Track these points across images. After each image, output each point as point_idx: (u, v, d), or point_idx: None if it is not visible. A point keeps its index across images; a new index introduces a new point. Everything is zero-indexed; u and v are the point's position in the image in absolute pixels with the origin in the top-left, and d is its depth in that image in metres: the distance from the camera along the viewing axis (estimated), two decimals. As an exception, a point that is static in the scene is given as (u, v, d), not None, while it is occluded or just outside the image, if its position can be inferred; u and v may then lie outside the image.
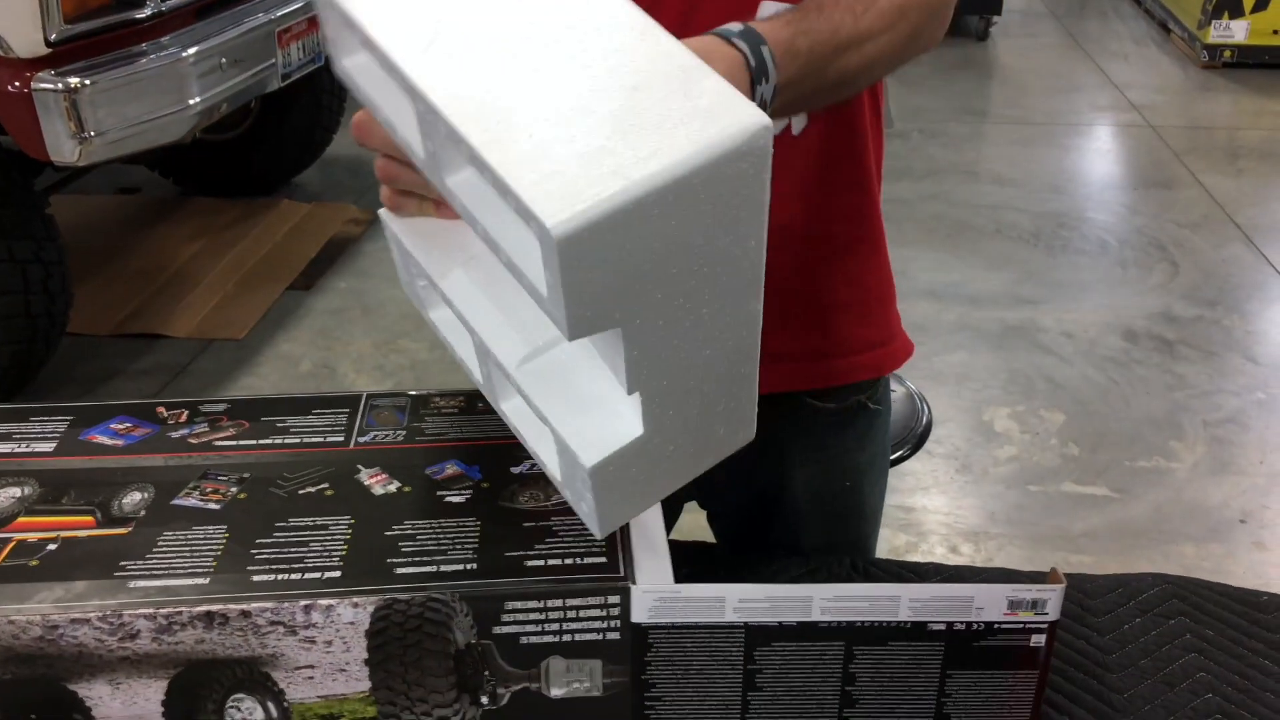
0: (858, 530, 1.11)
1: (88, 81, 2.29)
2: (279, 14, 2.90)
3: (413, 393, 0.86)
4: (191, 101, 2.52)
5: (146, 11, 2.47)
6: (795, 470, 1.05)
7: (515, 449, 0.78)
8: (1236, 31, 5.46)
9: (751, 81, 0.66)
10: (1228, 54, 5.50)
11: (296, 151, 4.03)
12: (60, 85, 2.27)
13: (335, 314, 3.27)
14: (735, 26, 0.67)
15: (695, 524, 1.11)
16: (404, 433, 0.81)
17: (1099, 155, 4.57)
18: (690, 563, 0.95)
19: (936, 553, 2.30)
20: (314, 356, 3.04)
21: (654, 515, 0.73)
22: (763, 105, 0.67)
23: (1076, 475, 2.54)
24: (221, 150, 3.86)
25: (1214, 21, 5.46)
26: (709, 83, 0.54)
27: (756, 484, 1.05)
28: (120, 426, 0.81)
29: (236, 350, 3.05)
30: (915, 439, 1.57)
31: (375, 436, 0.80)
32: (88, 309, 3.08)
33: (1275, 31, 5.41)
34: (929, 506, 2.44)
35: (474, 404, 0.84)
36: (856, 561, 1.02)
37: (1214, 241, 3.73)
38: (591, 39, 0.56)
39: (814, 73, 0.70)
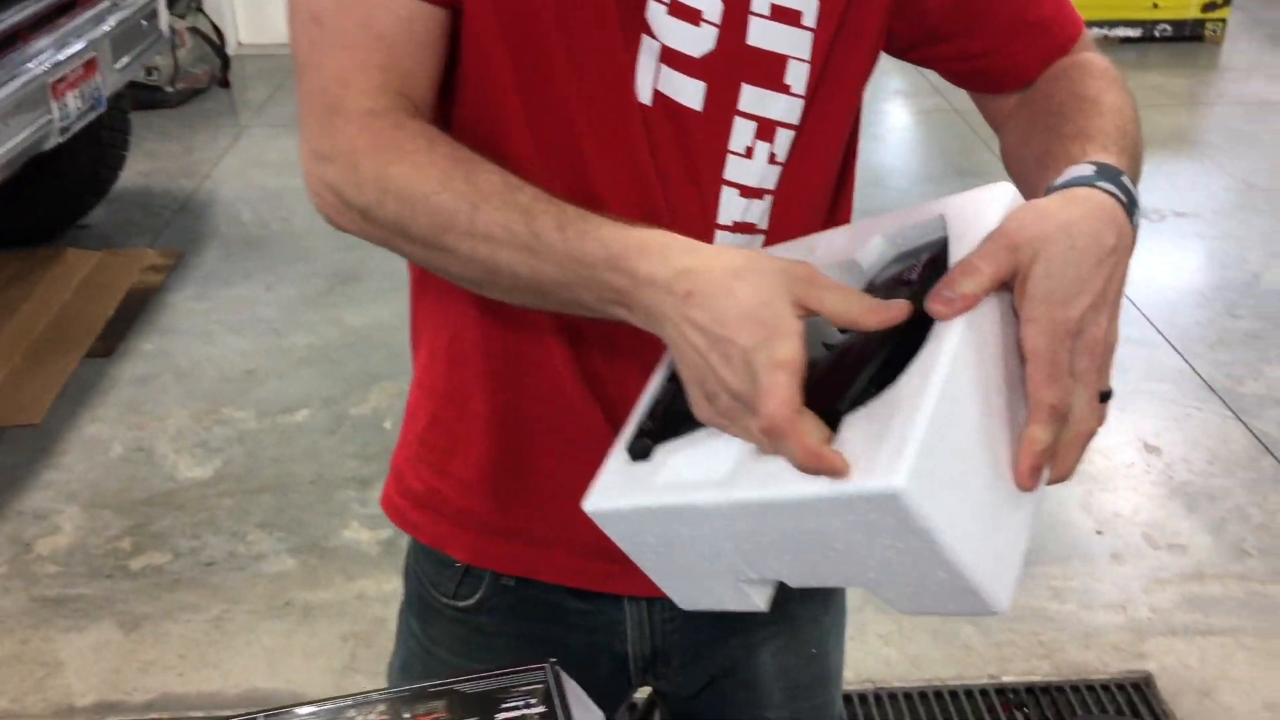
0: (824, 695, 1.06)
1: None
2: (52, 63, 2.58)
3: None
4: (-43, 179, 2.21)
5: (-109, 79, 2.14)
6: (761, 646, 0.99)
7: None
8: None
9: (1130, 217, 0.66)
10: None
11: (79, 192, 3.66)
12: None
13: (144, 382, 2.98)
14: (1086, 170, 0.67)
15: None
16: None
17: (913, 145, 4.66)
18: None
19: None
20: (125, 438, 2.76)
21: None
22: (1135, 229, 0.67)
23: (938, 498, 2.56)
24: (-10, 197, 3.47)
25: (1003, 0, 5.65)
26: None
27: (718, 662, 0.98)
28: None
29: (34, 438, 2.73)
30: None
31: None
32: None
33: (1059, 8, 5.65)
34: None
35: None
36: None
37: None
38: None
39: (1136, 171, 0.71)
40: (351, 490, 2.56)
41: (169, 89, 4.92)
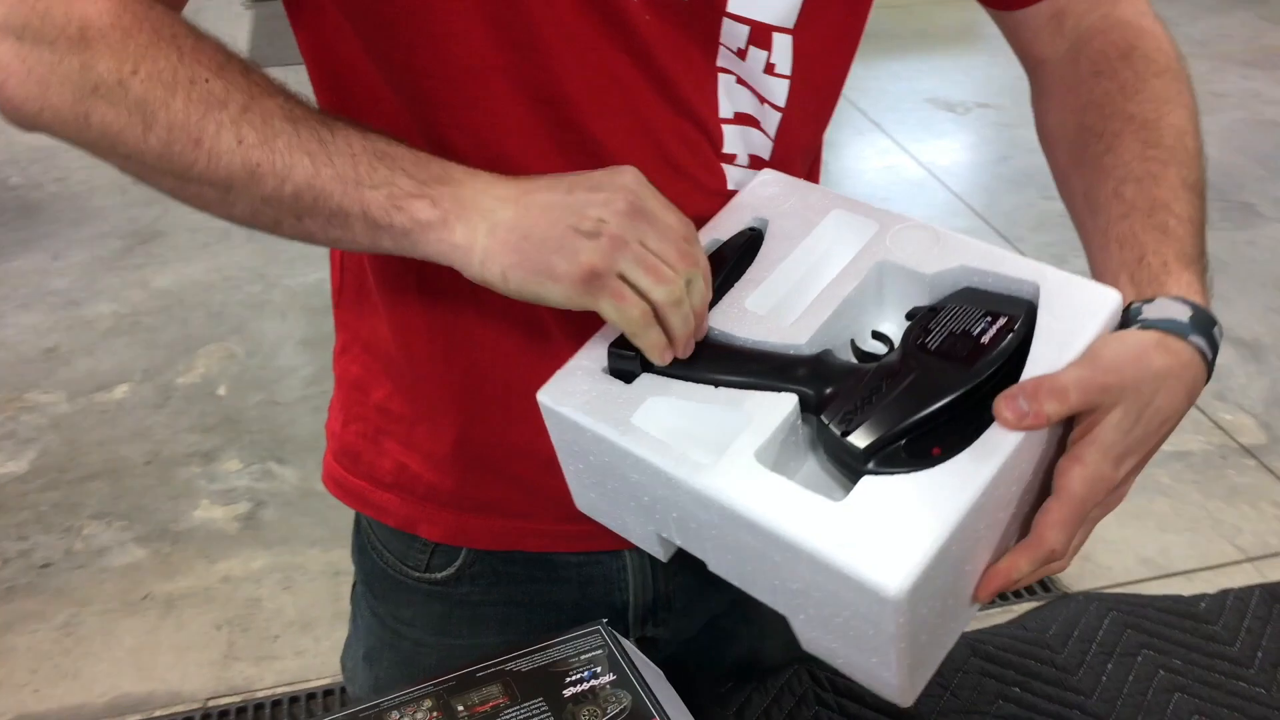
0: None
1: None
2: None
3: None
4: None
5: None
6: None
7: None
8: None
9: (1208, 373, 0.62)
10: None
11: None
12: None
13: (-73, 375, 2.64)
14: (1181, 313, 0.61)
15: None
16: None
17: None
18: None
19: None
20: (-83, 439, 2.44)
21: None
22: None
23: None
24: None
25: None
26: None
27: (721, 600, 0.91)
28: None
29: None
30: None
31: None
32: None
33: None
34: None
35: None
36: (816, 674, 0.92)
37: (851, 134, 3.90)
38: None
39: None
40: (195, 466, 2.35)
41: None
